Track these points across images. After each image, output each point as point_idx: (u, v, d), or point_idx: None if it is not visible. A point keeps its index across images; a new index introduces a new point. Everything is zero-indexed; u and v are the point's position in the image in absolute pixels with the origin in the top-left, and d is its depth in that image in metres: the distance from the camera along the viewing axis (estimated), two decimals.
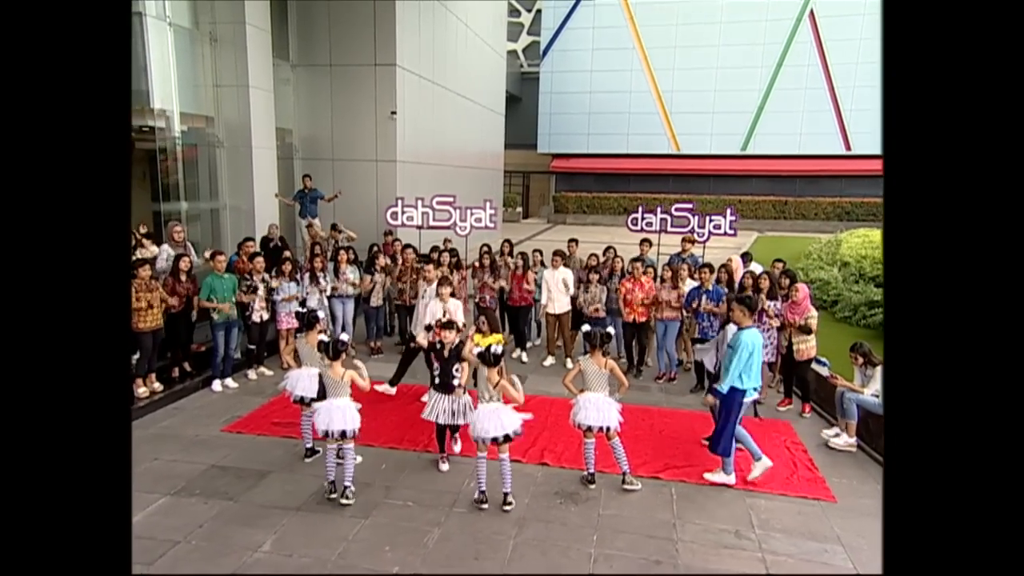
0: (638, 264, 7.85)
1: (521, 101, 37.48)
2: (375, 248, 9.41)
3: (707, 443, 5.72)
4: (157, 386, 6.71)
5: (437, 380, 5.36)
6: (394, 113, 13.83)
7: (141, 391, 6.53)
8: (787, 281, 7.34)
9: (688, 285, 7.94)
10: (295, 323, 7.73)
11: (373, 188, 13.97)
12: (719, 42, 31.92)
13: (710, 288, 7.60)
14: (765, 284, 7.22)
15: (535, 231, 28.73)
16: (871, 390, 5.99)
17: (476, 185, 20.48)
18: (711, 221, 11.49)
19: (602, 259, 8.98)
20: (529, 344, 9.33)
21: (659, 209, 11.98)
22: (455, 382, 5.29)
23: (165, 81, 10.39)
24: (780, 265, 8.28)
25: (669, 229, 11.86)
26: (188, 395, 6.99)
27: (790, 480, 5.43)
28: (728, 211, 11.59)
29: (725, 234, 11.50)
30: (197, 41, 11.19)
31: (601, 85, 33.75)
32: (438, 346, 5.37)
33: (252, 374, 7.66)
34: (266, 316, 7.52)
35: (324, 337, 5.22)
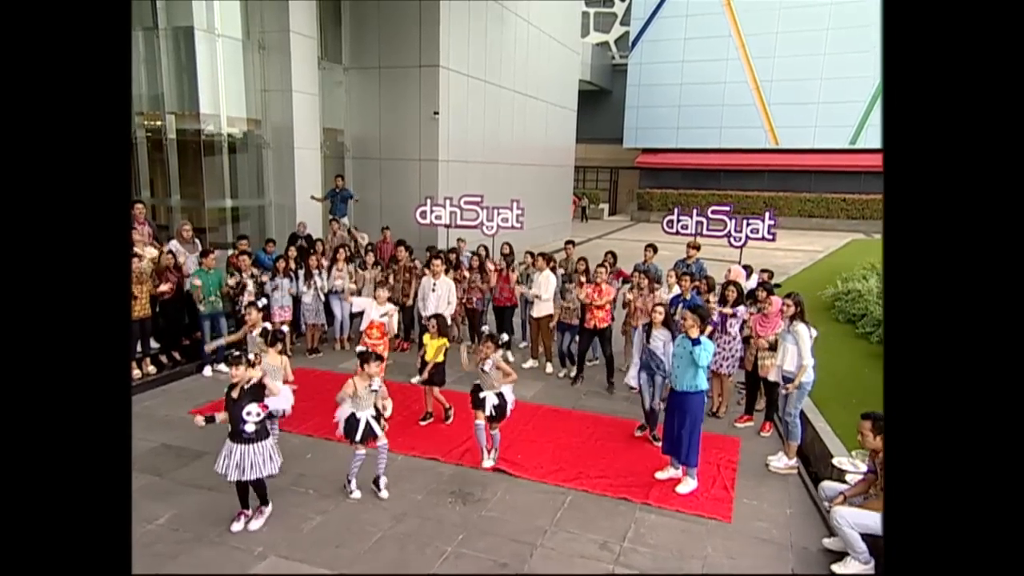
0: (601, 270, 7.68)
1: (612, 94, 36.99)
2: (369, 247, 9.84)
3: (659, 445, 5.80)
4: (151, 369, 7.50)
5: (229, 427, 4.58)
6: (436, 113, 14.26)
7: (135, 373, 7.33)
8: (764, 294, 6.92)
9: (673, 293, 7.71)
10: (288, 316, 8.33)
11: (416, 187, 14.49)
12: (827, 25, 29.77)
13: (688, 297, 7.33)
14: (732, 295, 6.86)
15: (612, 229, 28.36)
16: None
17: (539, 183, 20.58)
18: (748, 225, 10.98)
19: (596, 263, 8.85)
20: (524, 344, 9.39)
21: (695, 211, 11.58)
22: (247, 428, 4.50)
23: (213, 88, 11.41)
24: (765, 275, 7.80)
25: (705, 232, 11.46)
26: (179, 379, 7.74)
27: (693, 497, 5.20)
28: (767, 214, 11.01)
29: (763, 238, 10.93)
30: (247, 49, 12.16)
31: (693, 76, 32.58)
32: (227, 390, 4.60)
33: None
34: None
35: (268, 325, 5.75)
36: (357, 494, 5.17)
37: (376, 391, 5.11)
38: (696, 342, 5.11)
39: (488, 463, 5.67)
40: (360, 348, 5.38)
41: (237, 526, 4.70)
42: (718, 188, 31.73)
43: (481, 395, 5.60)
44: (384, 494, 5.17)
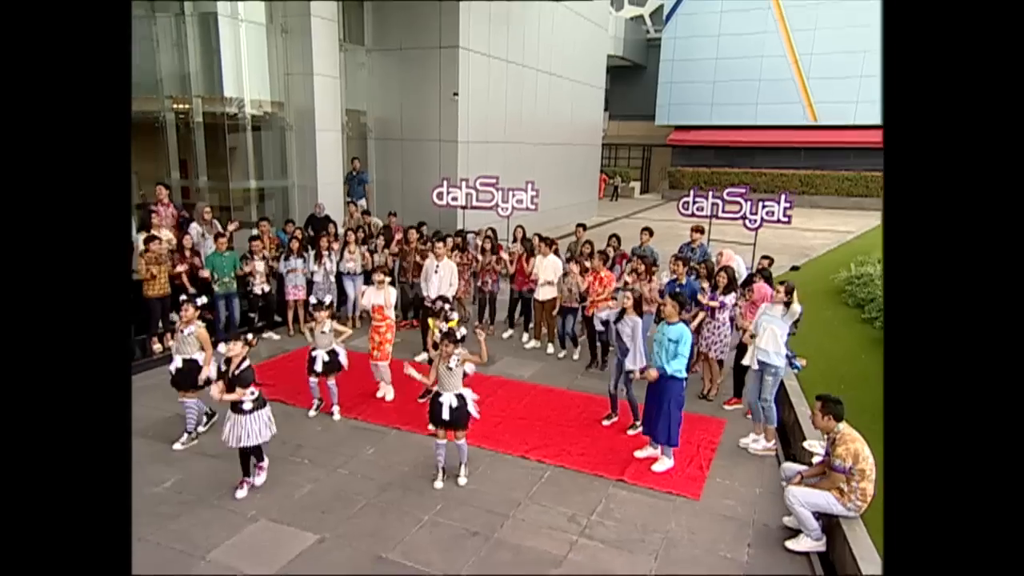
0: (598, 255, 7.79)
1: (646, 70, 36.34)
2: (382, 231, 10.14)
3: (641, 430, 5.88)
4: (171, 344, 7.97)
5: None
6: (456, 94, 14.40)
7: (156, 347, 7.82)
8: (760, 280, 6.96)
9: (666, 278, 7.79)
10: (301, 295, 8.73)
11: (437, 168, 14.71)
12: None
13: (683, 282, 7.41)
14: (722, 280, 6.92)
15: (640, 208, 28.14)
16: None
17: (565, 162, 20.58)
18: (764, 207, 10.89)
19: (604, 247, 8.95)
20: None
21: (711, 193, 11.54)
22: (244, 405, 4.93)
23: (237, 72, 11.80)
24: (765, 262, 7.81)
25: (721, 214, 11.42)
26: None
27: (667, 475, 5.39)
28: (783, 196, 10.89)
29: (779, 221, 10.85)
30: (271, 34, 12.48)
31: (729, 50, 31.77)
32: (222, 367, 5.04)
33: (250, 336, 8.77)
34: (267, 288, 8.56)
35: (313, 299, 6.50)
36: (440, 484, 5.24)
37: (452, 370, 5.08)
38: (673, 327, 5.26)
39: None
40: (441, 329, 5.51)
41: (241, 493, 5.08)
42: (752, 166, 31.11)
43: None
44: (463, 481, 5.26)
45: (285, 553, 4.40)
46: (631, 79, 36.39)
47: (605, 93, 24.39)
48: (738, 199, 11.12)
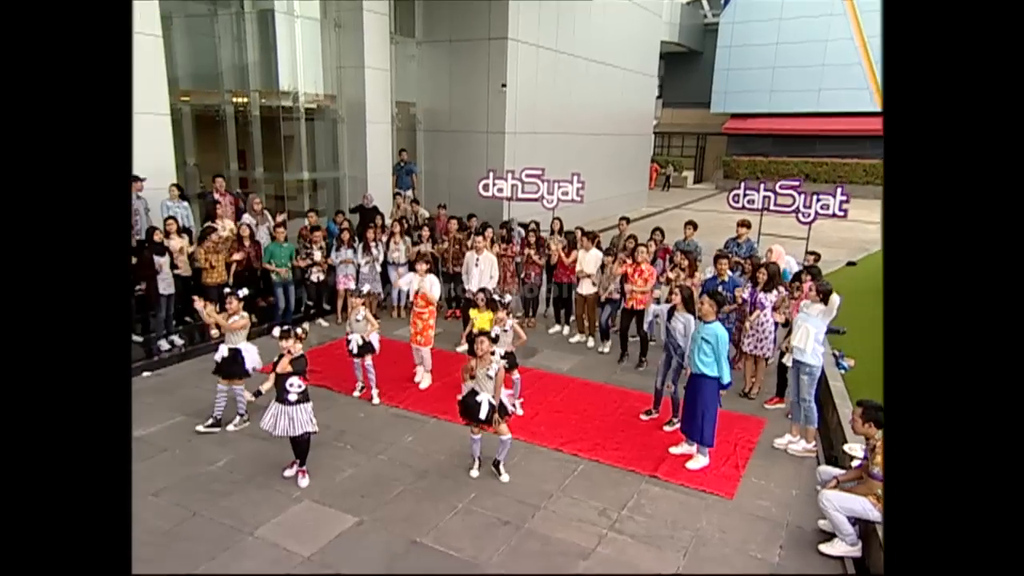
0: (642, 248, 7.73)
1: (702, 56, 35.52)
2: (427, 222, 10.33)
3: (679, 427, 5.88)
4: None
5: (275, 394, 5.23)
6: (504, 86, 14.45)
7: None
8: (808, 278, 6.79)
9: (709, 274, 7.69)
10: (351, 284, 9.01)
11: (484, 159, 14.83)
12: None
13: (725, 279, 7.30)
14: (762, 277, 6.78)
15: (693, 199, 27.65)
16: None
17: (614, 152, 20.40)
18: (819, 201, 10.58)
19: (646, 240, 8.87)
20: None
21: (762, 186, 11.26)
22: (291, 396, 5.13)
23: (292, 66, 12.17)
24: (811, 258, 7.60)
25: (772, 207, 11.13)
26: (252, 338, 8.55)
27: (702, 473, 5.37)
28: (839, 189, 10.55)
29: (834, 215, 10.52)
30: (324, 28, 12.80)
31: (791, 34, 30.72)
32: (276, 360, 5.21)
33: (306, 325, 9.09)
34: (322, 277, 8.88)
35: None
36: (475, 473, 5.34)
37: (492, 378, 5.11)
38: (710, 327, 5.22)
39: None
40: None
41: (289, 472, 5.35)
42: (812, 155, 30.06)
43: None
44: (504, 478, 5.29)
45: (326, 533, 4.61)
46: (686, 65, 35.62)
47: (659, 80, 23.98)
48: (791, 192, 10.84)
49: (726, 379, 5.30)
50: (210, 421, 6.15)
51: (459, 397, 5.32)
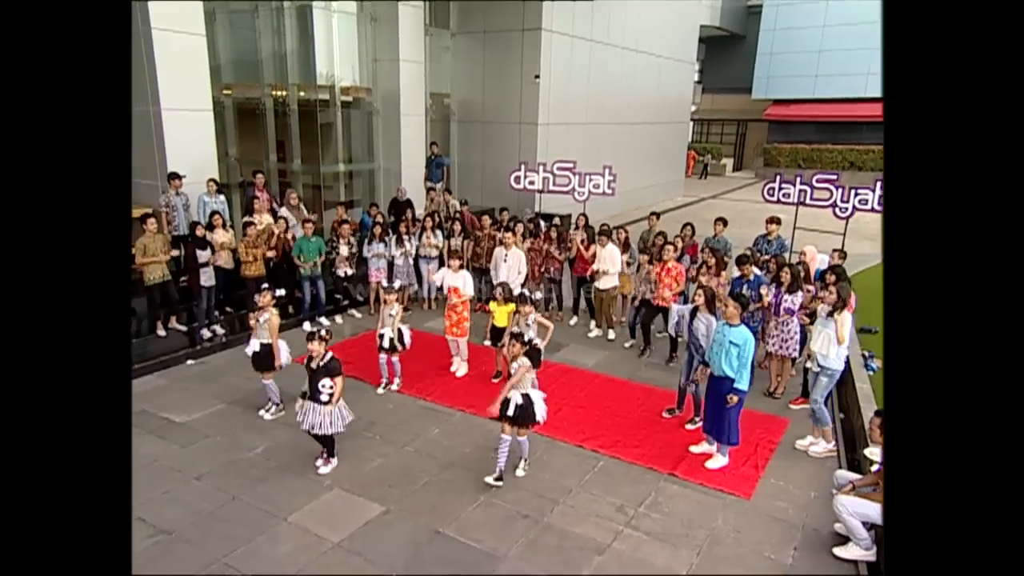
0: (670, 247, 7.74)
1: (744, 39, 34.67)
2: (456, 214, 10.48)
3: (701, 426, 5.95)
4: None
5: (307, 391, 5.42)
6: (537, 77, 14.47)
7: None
8: (832, 278, 6.72)
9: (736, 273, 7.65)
10: (383, 277, 9.25)
11: (516, 150, 14.91)
12: None
13: (751, 278, 7.27)
14: (786, 278, 6.73)
15: (730, 188, 27.19)
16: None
17: (650, 141, 20.23)
18: (856, 195, 10.37)
19: (678, 235, 8.85)
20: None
21: (798, 179, 11.08)
22: (322, 397, 5.30)
23: (329, 60, 12.43)
24: (837, 255, 7.50)
25: (808, 201, 10.95)
26: (285, 330, 8.86)
27: (721, 472, 5.44)
28: (878, 183, 10.30)
29: (873, 210, 10.30)
30: (361, 22, 13.01)
31: (838, 16, 29.70)
32: (307, 360, 5.41)
33: (338, 319, 9.38)
34: (350, 271, 9.14)
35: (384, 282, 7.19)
36: (496, 479, 5.28)
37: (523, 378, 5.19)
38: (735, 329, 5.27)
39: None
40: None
41: (321, 465, 5.55)
42: (858, 142, 29.14)
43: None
44: (519, 473, 5.44)
45: (354, 521, 4.86)
46: (728, 50, 34.80)
47: (699, 64, 23.55)
48: (828, 186, 10.65)
49: (744, 386, 5.31)
50: (273, 408, 6.52)
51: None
